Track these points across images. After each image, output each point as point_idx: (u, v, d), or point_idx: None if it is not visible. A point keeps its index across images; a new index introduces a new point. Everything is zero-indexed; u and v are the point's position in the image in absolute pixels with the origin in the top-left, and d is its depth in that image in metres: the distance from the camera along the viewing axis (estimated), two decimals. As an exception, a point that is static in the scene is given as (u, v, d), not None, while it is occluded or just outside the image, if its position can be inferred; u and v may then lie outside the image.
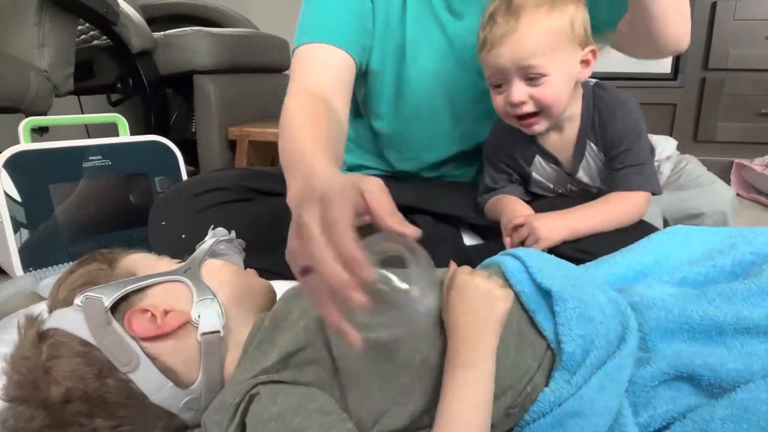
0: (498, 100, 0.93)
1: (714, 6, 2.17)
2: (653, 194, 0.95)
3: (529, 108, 0.90)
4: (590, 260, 0.82)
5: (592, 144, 0.96)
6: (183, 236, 0.67)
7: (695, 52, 2.23)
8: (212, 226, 0.73)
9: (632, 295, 0.66)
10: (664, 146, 1.25)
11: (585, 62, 0.90)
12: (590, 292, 0.62)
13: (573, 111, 0.95)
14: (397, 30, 1.03)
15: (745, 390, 0.54)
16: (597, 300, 0.61)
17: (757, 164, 1.94)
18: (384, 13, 1.01)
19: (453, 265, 0.63)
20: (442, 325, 0.58)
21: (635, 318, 0.62)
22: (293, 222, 0.50)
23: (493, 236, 1.01)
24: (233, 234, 0.74)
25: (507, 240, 0.93)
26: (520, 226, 0.90)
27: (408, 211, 1.07)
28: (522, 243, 0.89)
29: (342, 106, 0.91)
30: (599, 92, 0.96)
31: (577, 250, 0.88)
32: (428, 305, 0.47)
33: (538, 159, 1.01)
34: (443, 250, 0.98)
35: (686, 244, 0.77)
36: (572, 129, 0.96)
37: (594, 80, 0.98)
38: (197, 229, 0.71)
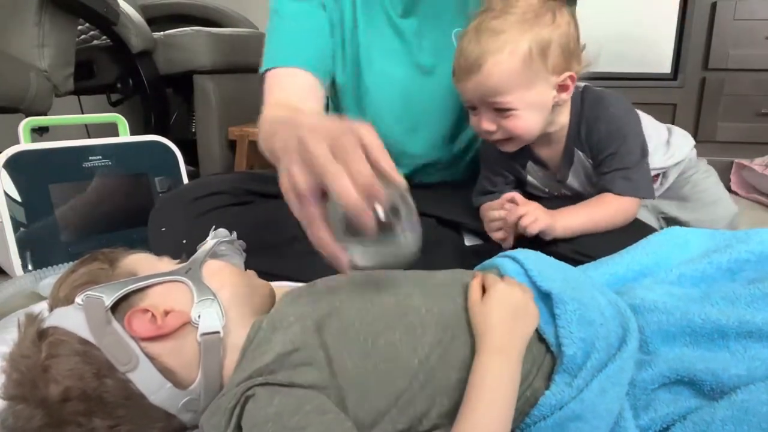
0: (473, 121, 0.93)
1: (714, 6, 2.17)
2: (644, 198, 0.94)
3: (498, 136, 0.90)
4: (588, 262, 0.82)
5: (579, 152, 0.96)
6: (184, 241, 0.67)
7: (695, 52, 2.23)
8: (213, 227, 0.73)
9: (633, 298, 0.66)
10: (680, 146, 1.15)
11: (562, 87, 0.88)
12: (590, 294, 0.62)
13: (560, 123, 0.94)
14: (352, 40, 1.04)
15: (746, 391, 0.54)
16: (597, 302, 0.61)
17: (757, 164, 1.94)
18: (339, 26, 1.03)
19: (479, 274, 0.64)
20: (442, 330, 0.58)
21: (636, 321, 0.62)
22: (287, 156, 0.54)
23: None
24: (234, 235, 0.74)
25: (497, 234, 0.93)
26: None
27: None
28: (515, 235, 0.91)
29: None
30: (585, 97, 0.94)
31: (576, 252, 0.88)
32: (414, 241, 0.55)
33: (530, 164, 1.01)
34: (444, 250, 0.98)
35: (684, 245, 0.78)
36: (560, 138, 0.95)
37: (582, 84, 0.96)
38: (197, 233, 0.71)
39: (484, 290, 0.61)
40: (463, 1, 1.01)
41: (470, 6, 0.98)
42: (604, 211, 0.92)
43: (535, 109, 0.88)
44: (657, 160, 1.10)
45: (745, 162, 1.98)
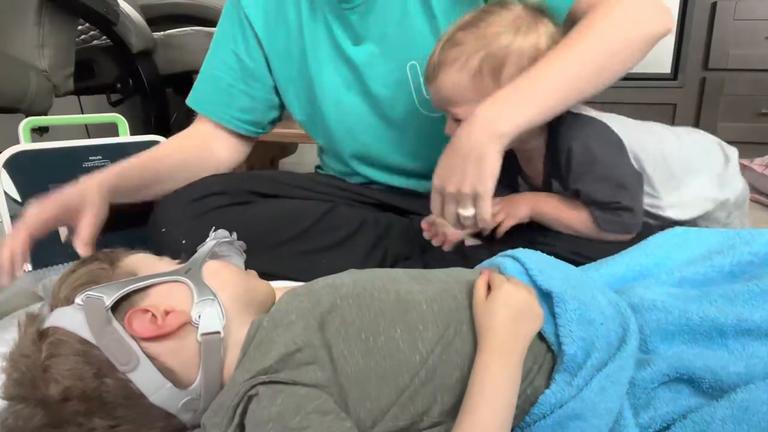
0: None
1: (714, 6, 2.17)
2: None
3: None
4: (586, 263, 0.82)
5: (554, 181, 0.93)
6: (183, 242, 0.68)
7: (695, 51, 2.23)
8: (213, 227, 0.73)
9: (632, 297, 0.65)
10: (733, 178, 0.99)
11: None
12: (590, 293, 0.62)
13: (532, 143, 0.90)
14: (305, 71, 1.06)
15: (746, 390, 0.54)
16: (597, 302, 0.61)
17: (757, 164, 1.94)
18: (288, 59, 1.07)
19: (485, 272, 0.64)
20: (443, 326, 0.58)
21: (635, 320, 0.62)
22: None
23: (492, 237, 1.01)
24: (234, 236, 0.74)
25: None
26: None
27: (408, 212, 1.07)
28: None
29: (226, 151, 1.13)
30: (561, 122, 0.87)
31: (574, 254, 0.88)
32: None
33: (520, 178, 1.01)
34: (442, 251, 0.98)
35: (685, 245, 0.77)
36: (539, 158, 0.92)
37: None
38: (197, 234, 0.71)
39: (489, 289, 0.61)
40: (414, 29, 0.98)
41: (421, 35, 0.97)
42: (573, 219, 0.90)
43: None
44: (707, 196, 0.97)
45: (745, 162, 1.98)
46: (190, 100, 1.15)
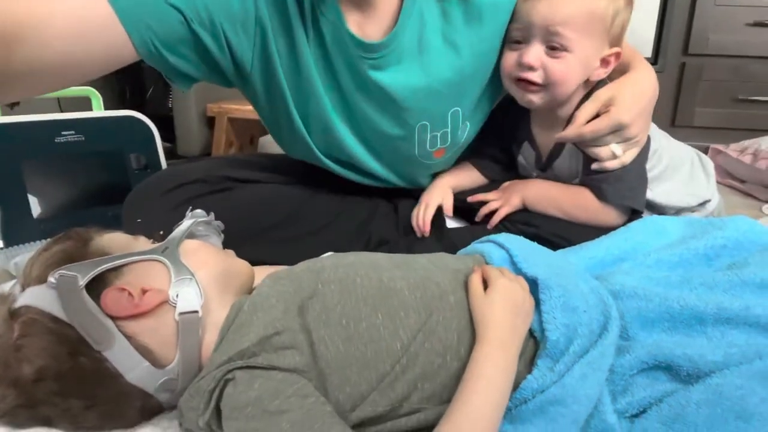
0: (510, 58, 0.89)
1: (695, -9, 2.18)
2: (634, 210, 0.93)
3: (536, 77, 0.87)
4: (567, 246, 0.83)
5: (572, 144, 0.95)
6: (161, 232, 0.66)
7: (676, 36, 2.24)
8: (190, 207, 0.72)
9: (613, 284, 0.66)
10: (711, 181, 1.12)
11: (605, 61, 0.88)
12: (573, 281, 0.62)
13: (565, 112, 0.93)
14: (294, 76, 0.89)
15: (720, 375, 0.55)
16: (580, 289, 0.62)
17: (733, 150, 1.97)
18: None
19: (478, 268, 0.65)
20: (425, 314, 0.58)
21: (617, 307, 0.62)
22: None
23: (475, 220, 1.01)
24: (212, 215, 0.73)
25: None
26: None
27: (392, 195, 1.06)
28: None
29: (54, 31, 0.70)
30: (595, 90, 0.91)
31: (555, 235, 0.89)
32: None
33: (526, 144, 1.01)
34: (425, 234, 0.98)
35: (662, 231, 0.80)
36: (561, 123, 0.94)
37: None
38: (174, 224, 0.69)
39: (484, 283, 0.62)
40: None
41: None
42: (571, 201, 0.92)
43: (582, 64, 0.87)
44: (700, 188, 1.10)
45: (721, 147, 2.01)
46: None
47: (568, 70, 0.86)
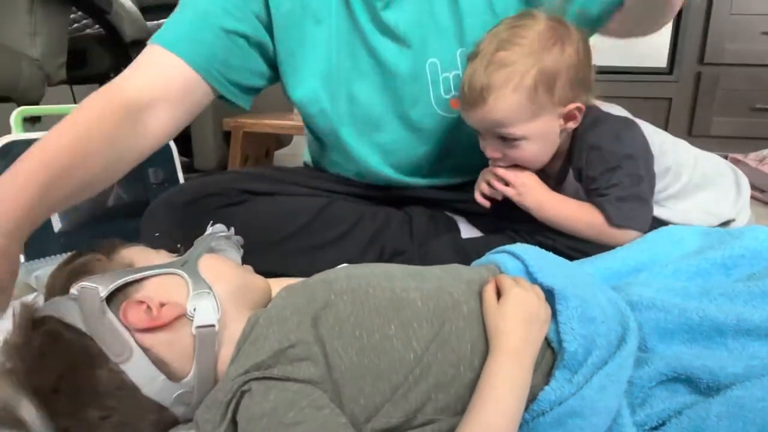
0: (481, 144, 0.91)
1: (710, 0, 2.17)
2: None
3: (504, 163, 0.90)
4: (583, 258, 0.82)
5: (570, 170, 0.95)
6: (179, 246, 0.67)
7: (691, 46, 2.23)
8: (211, 222, 0.73)
9: (631, 294, 0.66)
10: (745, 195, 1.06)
11: (569, 116, 0.86)
12: (591, 291, 0.62)
13: (558, 150, 0.92)
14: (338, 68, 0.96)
15: (741, 387, 0.54)
16: (598, 300, 0.61)
17: (752, 159, 1.95)
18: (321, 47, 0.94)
19: (492, 278, 0.64)
20: (438, 324, 0.58)
21: (634, 318, 0.62)
22: None
23: (491, 229, 1.01)
24: (232, 230, 0.73)
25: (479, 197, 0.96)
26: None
27: (405, 204, 1.07)
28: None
29: (160, 123, 0.81)
30: (584, 119, 0.89)
31: (573, 249, 0.88)
32: None
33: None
34: (440, 244, 0.98)
35: (679, 242, 0.79)
36: (559, 155, 0.94)
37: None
38: (193, 239, 0.70)
39: (498, 293, 0.62)
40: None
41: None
42: (579, 217, 0.90)
43: (541, 139, 0.87)
44: (710, 210, 1.03)
45: (740, 157, 1.99)
46: (158, 38, 0.86)
47: (528, 153, 0.88)
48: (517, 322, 0.57)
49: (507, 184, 0.92)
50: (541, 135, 0.86)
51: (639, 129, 0.92)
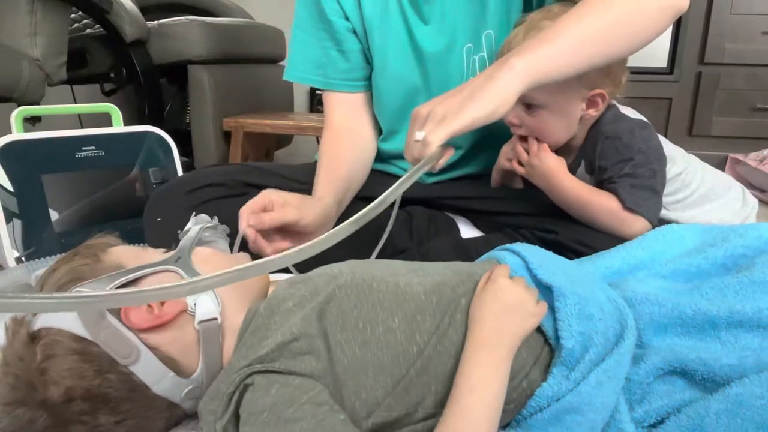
0: None
1: (711, 0, 2.17)
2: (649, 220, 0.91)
3: (522, 132, 0.92)
4: (589, 254, 0.82)
5: (582, 162, 0.96)
6: (179, 232, 0.67)
7: (691, 46, 2.23)
8: (194, 213, 0.73)
9: (625, 291, 0.66)
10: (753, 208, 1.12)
11: (591, 102, 0.89)
12: (590, 289, 0.62)
13: (579, 137, 0.94)
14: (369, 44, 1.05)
15: (740, 385, 0.54)
16: (596, 297, 0.61)
17: (752, 159, 1.95)
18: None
19: (489, 271, 0.64)
20: (440, 317, 0.58)
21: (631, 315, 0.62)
22: None
23: (491, 229, 1.01)
24: (216, 220, 0.73)
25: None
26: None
27: (406, 203, 1.07)
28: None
29: (367, 127, 1.11)
30: (605, 114, 0.92)
31: (578, 243, 0.88)
32: None
33: None
34: (440, 243, 0.98)
35: (680, 240, 0.78)
36: (574, 149, 0.96)
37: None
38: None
39: None
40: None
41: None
42: (591, 198, 0.91)
43: (561, 115, 0.88)
44: (730, 217, 1.07)
45: (740, 157, 1.99)
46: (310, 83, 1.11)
47: (546, 125, 0.90)
48: (491, 312, 0.57)
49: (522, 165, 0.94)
50: (562, 110, 0.88)
51: (654, 131, 0.94)
